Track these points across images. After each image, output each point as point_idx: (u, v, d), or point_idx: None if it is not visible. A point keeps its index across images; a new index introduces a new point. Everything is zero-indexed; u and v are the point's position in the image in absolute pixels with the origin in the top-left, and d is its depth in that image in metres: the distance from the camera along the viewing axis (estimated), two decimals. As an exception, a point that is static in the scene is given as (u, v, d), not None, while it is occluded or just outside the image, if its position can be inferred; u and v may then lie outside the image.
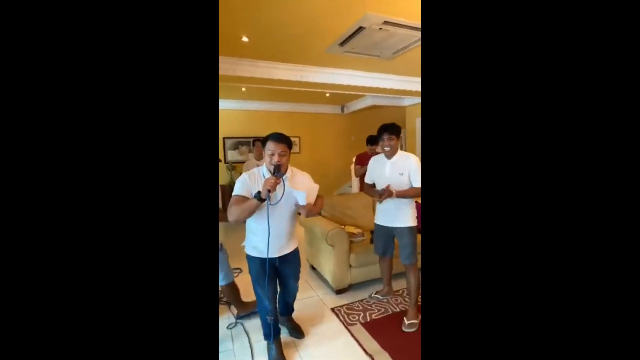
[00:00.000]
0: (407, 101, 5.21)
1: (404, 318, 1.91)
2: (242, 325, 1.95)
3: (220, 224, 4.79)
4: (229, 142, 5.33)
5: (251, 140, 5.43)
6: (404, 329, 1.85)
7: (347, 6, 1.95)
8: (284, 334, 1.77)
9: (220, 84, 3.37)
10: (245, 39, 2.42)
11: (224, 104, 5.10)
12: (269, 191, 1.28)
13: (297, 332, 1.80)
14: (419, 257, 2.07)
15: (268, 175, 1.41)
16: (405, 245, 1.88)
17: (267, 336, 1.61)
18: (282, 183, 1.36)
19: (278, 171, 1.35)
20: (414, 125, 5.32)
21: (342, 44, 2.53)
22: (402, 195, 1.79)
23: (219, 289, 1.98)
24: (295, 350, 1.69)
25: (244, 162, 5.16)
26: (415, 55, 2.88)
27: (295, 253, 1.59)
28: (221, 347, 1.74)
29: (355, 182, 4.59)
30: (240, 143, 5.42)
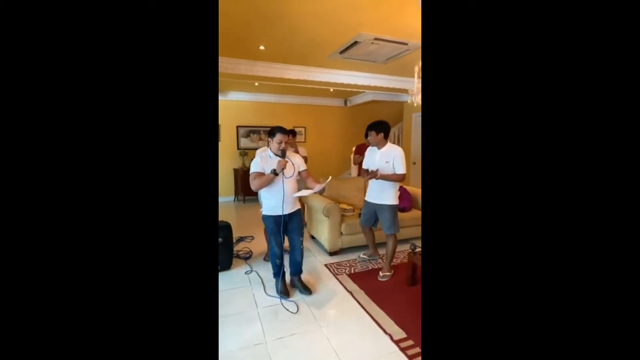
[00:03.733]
0: (405, 97, 5.65)
1: (380, 271, 2.52)
2: (256, 272, 2.58)
3: (233, 205, 5.43)
4: (242, 130, 5.89)
5: (262, 129, 6.01)
6: (378, 278, 2.45)
7: (345, 26, 2.46)
8: (302, 299, 2.15)
9: (238, 80, 3.92)
10: (262, 47, 2.95)
11: (238, 96, 5.65)
12: (283, 169, 1.93)
13: (306, 290, 2.20)
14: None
15: (273, 156, 2.04)
16: (385, 219, 2.42)
17: (276, 274, 2.22)
18: (290, 162, 2.02)
19: (284, 155, 1.98)
20: (411, 119, 5.80)
21: (342, 52, 3.04)
22: (384, 177, 2.32)
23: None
24: (294, 288, 2.31)
25: (255, 149, 5.77)
26: (406, 60, 3.36)
27: (298, 211, 2.19)
28: (241, 285, 2.36)
29: (354, 169, 5.15)
30: (252, 131, 5.98)
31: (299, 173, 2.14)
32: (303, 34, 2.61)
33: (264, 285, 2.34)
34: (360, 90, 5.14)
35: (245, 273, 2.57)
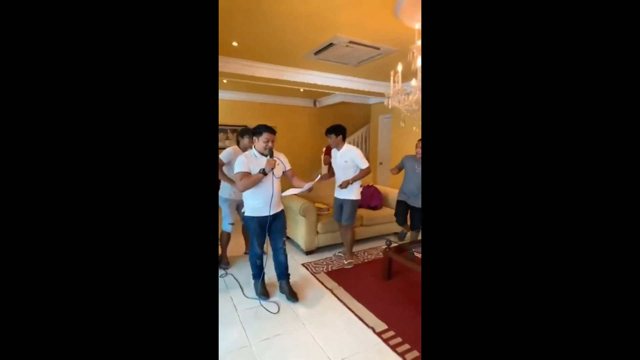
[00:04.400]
0: (373, 100, 5.88)
1: (343, 260, 2.76)
2: (232, 274, 2.50)
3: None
4: (207, 129, 5.65)
5: (228, 128, 5.83)
6: (344, 266, 2.68)
7: (321, 28, 2.50)
8: (283, 299, 2.12)
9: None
10: (235, 43, 2.86)
11: (203, 93, 5.39)
12: (272, 169, 1.90)
13: (293, 297, 2.09)
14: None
15: (259, 156, 1.99)
16: (346, 212, 2.66)
17: (255, 276, 2.17)
18: (278, 161, 1.99)
19: (272, 154, 1.94)
20: (377, 121, 6.03)
21: (316, 53, 3.07)
22: (354, 180, 2.58)
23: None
24: (275, 288, 2.28)
25: (221, 148, 5.56)
26: (377, 64, 3.50)
27: (282, 211, 2.15)
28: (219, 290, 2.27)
29: (324, 169, 5.23)
30: (219, 130, 5.75)
31: (284, 172, 2.10)
32: (280, 33, 2.59)
33: (241, 288, 2.28)
34: (330, 92, 5.22)
35: (220, 276, 2.48)
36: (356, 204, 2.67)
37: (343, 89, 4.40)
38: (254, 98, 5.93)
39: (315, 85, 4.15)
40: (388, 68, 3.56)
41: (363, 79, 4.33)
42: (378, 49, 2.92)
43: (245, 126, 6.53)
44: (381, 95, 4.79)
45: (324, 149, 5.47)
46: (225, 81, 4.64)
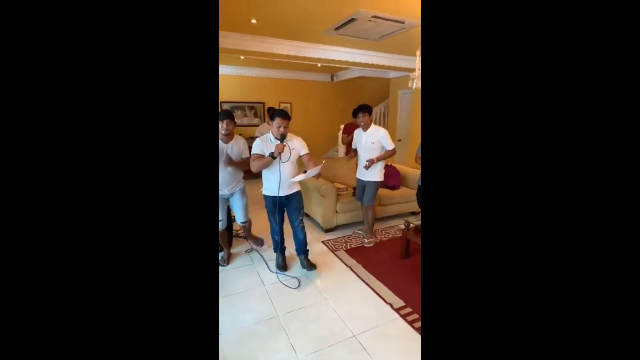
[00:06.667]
0: (393, 74, 5.65)
1: (364, 239, 2.80)
2: (257, 251, 2.66)
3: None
4: (225, 106, 5.67)
5: (246, 105, 5.85)
6: (365, 245, 2.75)
7: (343, 2, 2.39)
8: (304, 274, 2.29)
9: (222, 54, 3.72)
10: (254, 21, 2.80)
11: (221, 70, 5.36)
12: (280, 153, 1.99)
13: (311, 267, 2.30)
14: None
15: (274, 140, 2.09)
16: (368, 193, 2.69)
17: (275, 249, 2.37)
18: (287, 146, 2.06)
19: (283, 139, 2.02)
20: (397, 96, 5.85)
21: (337, 29, 2.96)
22: (379, 159, 2.57)
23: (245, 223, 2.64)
24: (295, 262, 2.43)
25: (240, 126, 5.61)
26: (400, 39, 3.34)
27: (296, 193, 2.23)
28: (244, 264, 2.45)
29: (341, 148, 5.20)
30: (236, 107, 5.77)
31: (300, 157, 2.17)
32: (300, 8, 2.51)
33: (266, 263, 2.44)
34: (349, 67, 5.06)
35: (246, 252, 2.65)
36: (378, 185, 2.69)
37: (363, 64, 4.25)
38: (271, 74, 5.85)
39: (333, 61, 4.04)
40: (412, 41, 3.40)
41: (384, 53, 4.15)
42: (402, 22, 2.78)
43: (263, 103, 6.47)
44: (403, 70, 4.60)
45: (341, 127, 5.42)
46: (242, 58, 4.58)
